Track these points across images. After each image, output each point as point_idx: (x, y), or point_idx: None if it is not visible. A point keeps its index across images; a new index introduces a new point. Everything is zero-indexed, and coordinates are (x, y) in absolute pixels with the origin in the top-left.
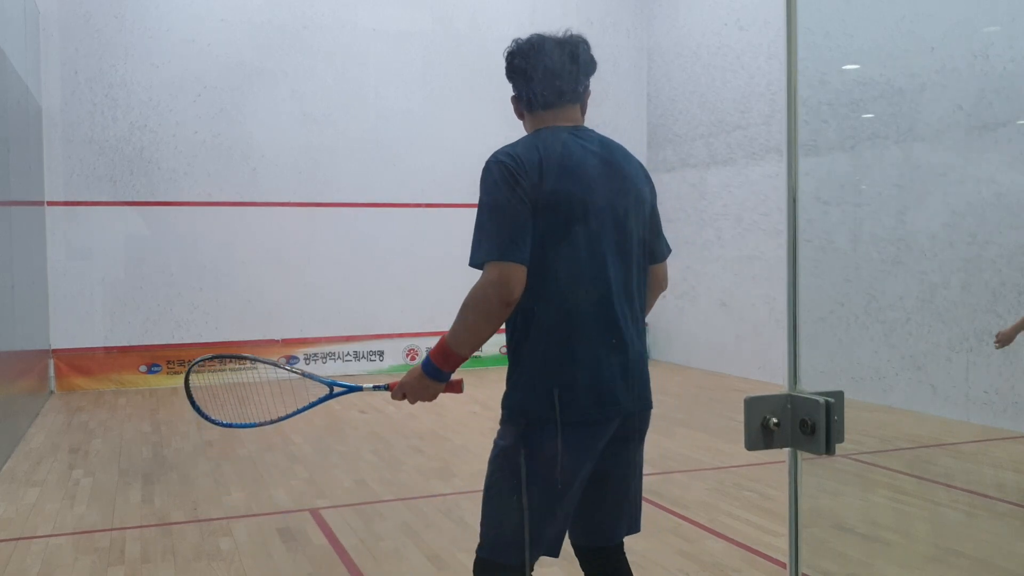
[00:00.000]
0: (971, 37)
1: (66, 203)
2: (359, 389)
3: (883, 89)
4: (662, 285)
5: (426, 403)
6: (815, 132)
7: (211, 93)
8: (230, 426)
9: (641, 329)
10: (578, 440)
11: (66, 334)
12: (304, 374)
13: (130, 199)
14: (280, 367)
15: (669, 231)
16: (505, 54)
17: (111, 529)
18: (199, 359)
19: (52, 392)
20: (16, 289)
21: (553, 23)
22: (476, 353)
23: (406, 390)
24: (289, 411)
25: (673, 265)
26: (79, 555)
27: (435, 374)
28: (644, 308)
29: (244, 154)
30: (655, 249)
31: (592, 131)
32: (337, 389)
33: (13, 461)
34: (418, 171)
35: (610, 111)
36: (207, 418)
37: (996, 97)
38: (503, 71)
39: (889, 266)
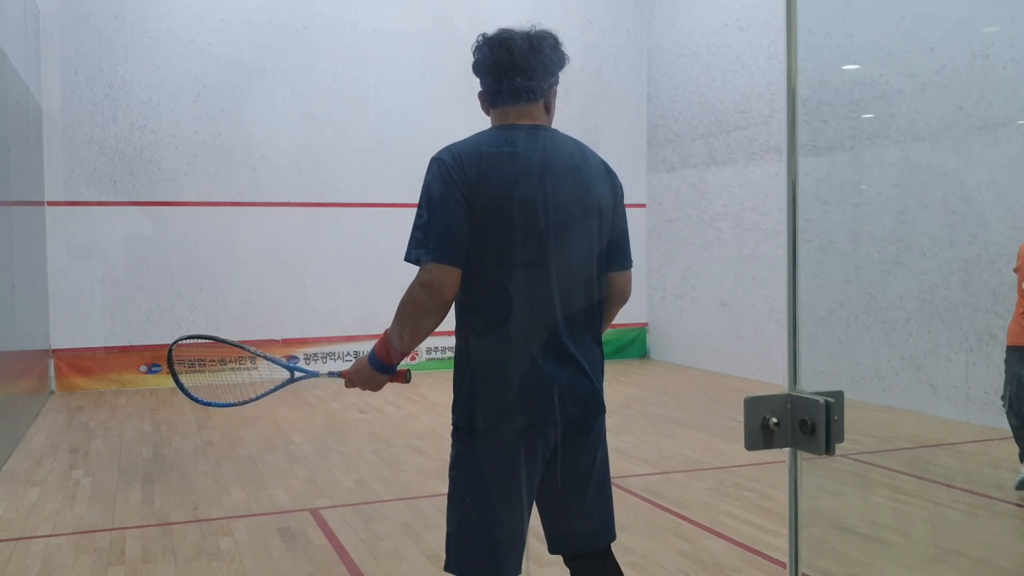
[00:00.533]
0: (971, 37)
1: (66, 203)
2: (316, 375)
3: (883, 89)
4: (623, 295)
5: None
6: (815, 132)
7: (211, 93)
8: (208, 404)
9: (591, 334)
10: (514, 446)
11: (66, 334)
12: (266, 357)
13: (130, 199)
14: (246, 349)
15: (669, 231)
16: (476, 46)
17: (111, 529)
18: (177, 340)
19: (52, 392)
20: (16, 289)
21: (553, 23)
22: None
23: (355, 379)
24: (259, 393)
25: (673, 265)
26: (79, 555)
27: (379, 366)
28: (600, 315)
29: (244, 154)
30: (613, 256)
31: (554, 131)
32: (297, 374)
33: (13, 461)
34: (418, 171)
35: (610, 111)
36: (188, 395)
37: (996, 97)
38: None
39: (889, 266)
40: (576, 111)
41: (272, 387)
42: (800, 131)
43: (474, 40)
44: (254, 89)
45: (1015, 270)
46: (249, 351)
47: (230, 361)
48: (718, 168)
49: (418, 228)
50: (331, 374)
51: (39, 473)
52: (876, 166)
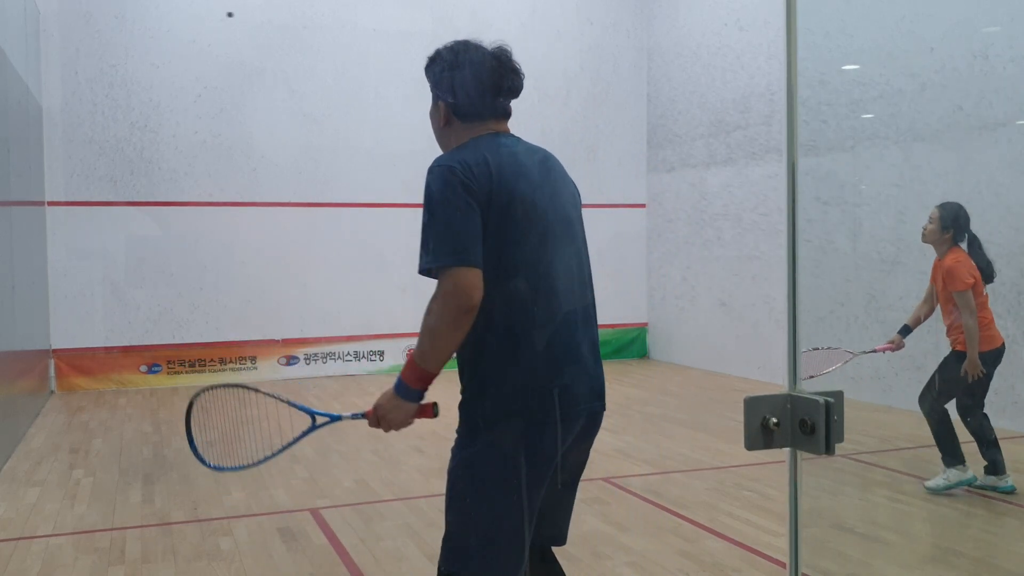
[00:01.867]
0: (971, 37)
1: (66, 203)
2: (339, 419)
3: (883, 89)
4: None
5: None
6: (815, 132)
7: (211, 93)
8: (220, 469)
9: (594, 330)
10: (547, 440)
11: (66, 334)
12: (289, 402)
13: (130, 199)
14: (269, 396)
15: (669, 231)
16: (445, 60)
17: (111, 529)
18: (198, 393)
19: (52, 392)
20: (16, 289)
21: (553, 23)
22: None
23: (380, 414)
24: (275, 449)
25: (673, 265)
26: (79, 555)
27: (407, 394)
28: (595, 309)
29: (244, 154)
30: None
31: (521, 138)
32: (319, 420)
33: (13, 461)
34: (418, 171)
35: (610, 111)
36: (201, 460)
37: (996, 97)
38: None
39: (889, 266)
40: (576, 111)
41: (291, 439)
42: (800, 131)
43: (446, 50)
44: (254, 89)
45: (932, 280)
46: (274, 397)
47: (230, 361)
48: (718, 168)
49: (433, 237)
50: (354, 416)
51: (39, 473)
52: (876, 166)
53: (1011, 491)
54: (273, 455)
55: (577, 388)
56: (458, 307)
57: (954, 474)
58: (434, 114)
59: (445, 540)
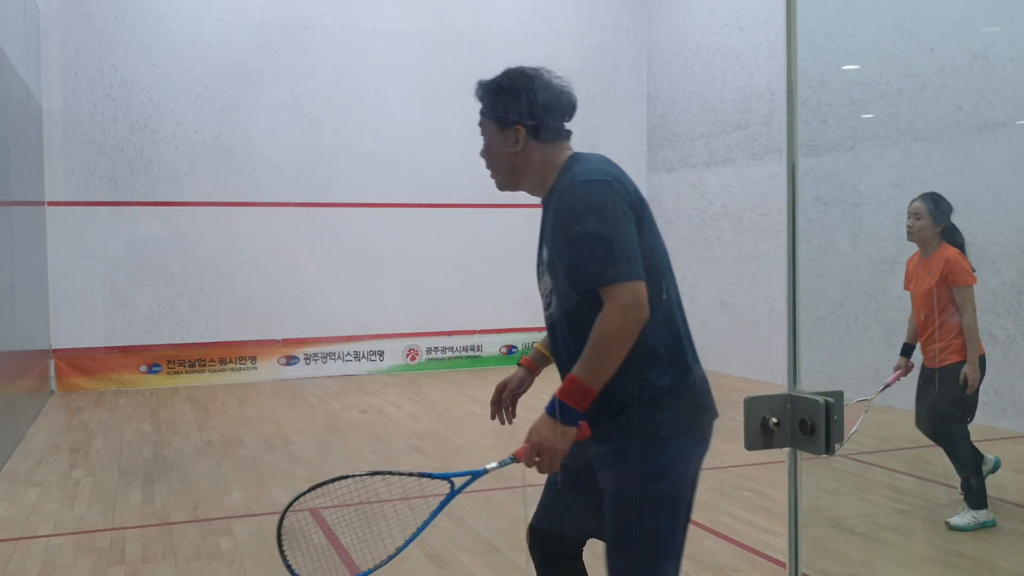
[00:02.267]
0: (971, 37)
1: (66, 203)
2: (483, 472)
3: (883, 89)
4: None
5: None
6: (815, 132)
7: (211, 93)
8: None
9: None
10: (709, 441)
11: (66, 334)
12: (421, 474)
13: (130, 199)
14: (391, 474)
15: (669, 231)
16: (518, 85)
17: (111, 529)
18: (298, 495)
19: (52, 392)
20: (16, 289)
21: (553, 23)
22: (476, 353)
23: (542, 447)
24: (410, 534)
25: (673, 265)
26: (79, 555)
27: (571, 417)
28: None
29: (244, 154)
30: None
31: None
32: (459, 481)
33: (13, 461)
34: (418, 171)
35: (610, 111)
36: None
37: (996, 97)
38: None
39: (889, 266)
40: (576, 112)
41: (429, 515)
42: (800, 131)
43: (513, 77)
44: (254, 89)
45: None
46: (398, 475)
47: (230, 361)
48: (718, 168)
49: (614, 249)
50: (502, 463)
51: (39, 473)
52: (876, 166)
53: (998, 465)
54: (413, 537)
55: (712, 399)
56: (638, 320)
57: (983, 514)
58: (500, 141)
59: (628, 566)
